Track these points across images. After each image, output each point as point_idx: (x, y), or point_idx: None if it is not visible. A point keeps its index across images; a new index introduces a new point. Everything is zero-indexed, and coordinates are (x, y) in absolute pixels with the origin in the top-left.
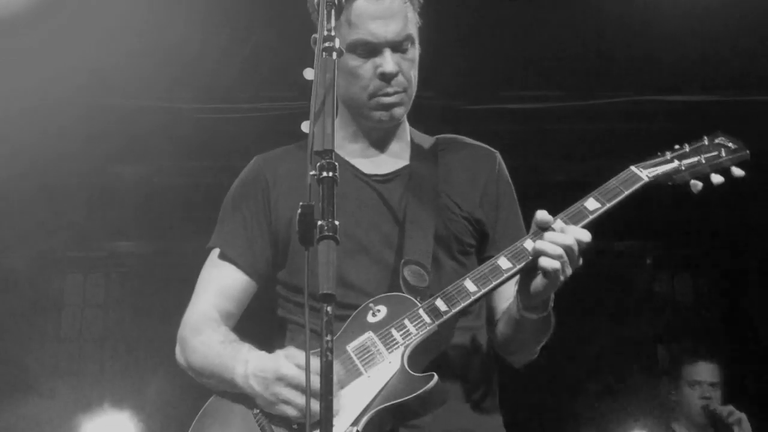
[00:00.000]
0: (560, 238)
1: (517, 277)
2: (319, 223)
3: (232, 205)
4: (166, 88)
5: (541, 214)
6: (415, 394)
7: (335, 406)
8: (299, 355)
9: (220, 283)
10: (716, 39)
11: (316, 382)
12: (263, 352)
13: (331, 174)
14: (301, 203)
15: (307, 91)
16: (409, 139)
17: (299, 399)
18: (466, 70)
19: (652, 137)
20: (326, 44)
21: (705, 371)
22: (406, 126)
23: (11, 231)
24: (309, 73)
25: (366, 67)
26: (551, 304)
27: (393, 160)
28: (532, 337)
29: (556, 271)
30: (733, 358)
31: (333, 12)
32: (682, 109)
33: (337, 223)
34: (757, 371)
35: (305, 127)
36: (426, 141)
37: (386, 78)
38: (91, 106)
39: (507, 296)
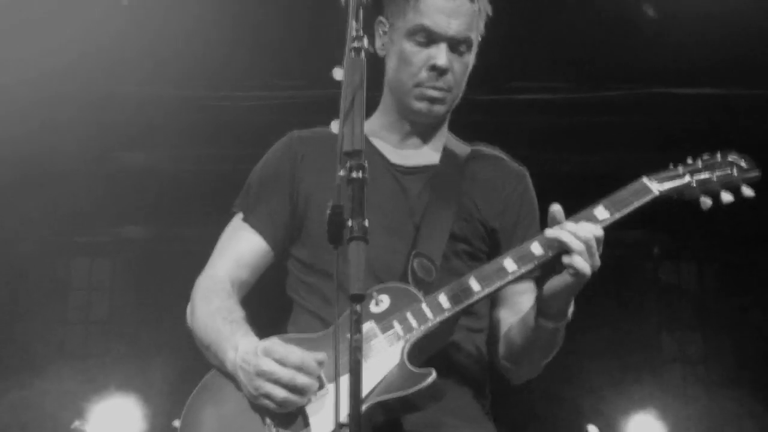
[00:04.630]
0: (575, 228)
1: (534, 289)
2: (349, 223)
3: (260, 174)
4: (174, 76)
5: (556, 207)
6: (414, 389)
7: (332, 392)
8: (279, 350)
9: (239, 249)
10: (730, 33)
11: (296, 376)
12: (252, 340)
13: (360, 175)
14: (331, 203)
15: (314, 81)
16: (444, 143)
17: (278, 393)
18: (481, 60)
19: (663, 130)
20: (355, 44)
21: None
22: (445, 131)
23: (19, 216)
24: (338, 73)
25: (420, 56)
26: (570, 315)
27: (423, 156)
28: (543, 348)
29: (581, 253)
30: (736, 347)
31: (361, 12)
32: (694, 103)
33: (366, 223)
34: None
35: (335, 126)
36: (461, 149)
37: (437, 71)
38: (101, 93)
39: (516, 309)
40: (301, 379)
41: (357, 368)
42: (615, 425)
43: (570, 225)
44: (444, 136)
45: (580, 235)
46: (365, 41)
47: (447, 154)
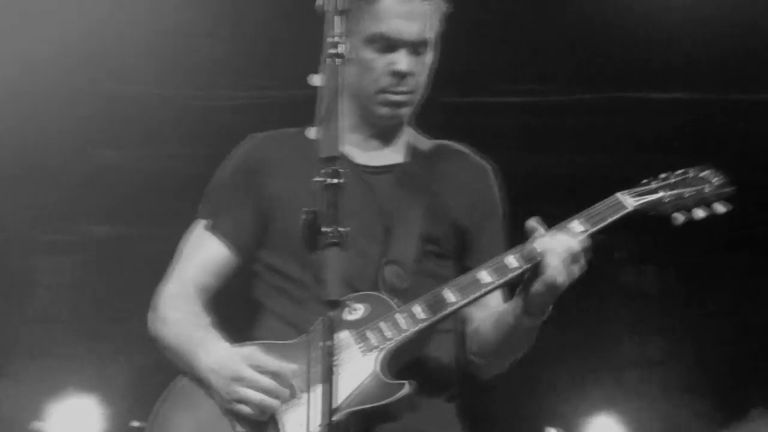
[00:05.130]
0: (548, 241)
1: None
2: (325, 229)
3: (222, 179)
4: (150, 74)
5: (533, 221)
6: (388, 401)
7: (305, 402)
8: (259, 357)
9: (205, 255)
10: (716, 37)
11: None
12: (224, 345)
13: (337, 181)
14: (304, 209)
15: (285, 82)
16: (407, 139)
17: (255, 397)
18: (462, 62)
19: (650, 133)
20: (332, 50)
21: None
22: (407, 127)
23: None
24: (316, 79)
25: (380, 62)
26: (549, 311)
27: (388, 155)
28: (517, 344)
29: (554, 265)
30: (697, 350)
31: (339, 18)
32: (682, 106)
33: (343, 229)
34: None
35: (312, 133)
36: (424, 144)
37: (399, 76)
38: (71, 91)
39: (483, 304)
40: (281, 387)
41: (330, 374)
42: (575, 427)
43: (544, 239)
44: (406, 133)
45: (553, 247)
46: (343, 47)
47: (411, 151)
